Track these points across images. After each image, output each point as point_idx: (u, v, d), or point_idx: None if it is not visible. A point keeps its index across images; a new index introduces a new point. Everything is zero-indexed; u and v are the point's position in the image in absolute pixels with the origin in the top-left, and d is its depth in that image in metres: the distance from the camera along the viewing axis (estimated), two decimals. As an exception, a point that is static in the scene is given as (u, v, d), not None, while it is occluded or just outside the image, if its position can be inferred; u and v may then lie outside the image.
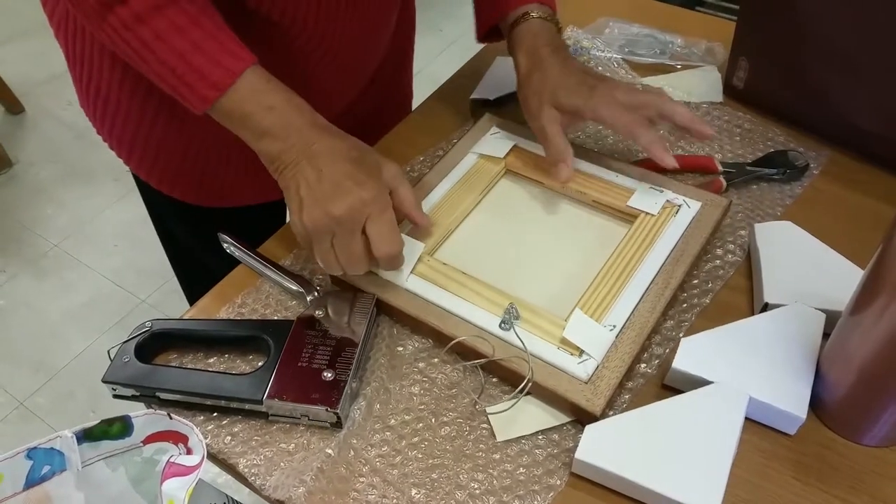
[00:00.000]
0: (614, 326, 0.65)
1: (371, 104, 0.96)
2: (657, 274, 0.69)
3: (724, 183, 0.80)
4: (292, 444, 0.63)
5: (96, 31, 0.66)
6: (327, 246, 0.66)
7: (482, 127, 0.85)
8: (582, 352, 0.63)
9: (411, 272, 0.71)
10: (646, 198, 0.75)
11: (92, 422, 0.59)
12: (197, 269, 1.06)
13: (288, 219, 0.82)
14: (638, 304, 0.67)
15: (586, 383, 0.62)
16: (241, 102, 0.66)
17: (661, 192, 0.76)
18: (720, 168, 0.82)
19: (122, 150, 0.89)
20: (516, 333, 0.65)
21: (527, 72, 0.77)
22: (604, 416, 0.61)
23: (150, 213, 1.03)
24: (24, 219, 2.24)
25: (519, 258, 0.74)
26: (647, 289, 0.68)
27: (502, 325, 0.66)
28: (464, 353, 0.67)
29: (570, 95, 0.74)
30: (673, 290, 0.68)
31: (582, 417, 0.62)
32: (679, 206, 0.74)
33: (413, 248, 0.72)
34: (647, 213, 0.74)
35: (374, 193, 0.64)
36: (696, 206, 0.74)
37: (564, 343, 0.64)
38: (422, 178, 0.80)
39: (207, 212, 0.92)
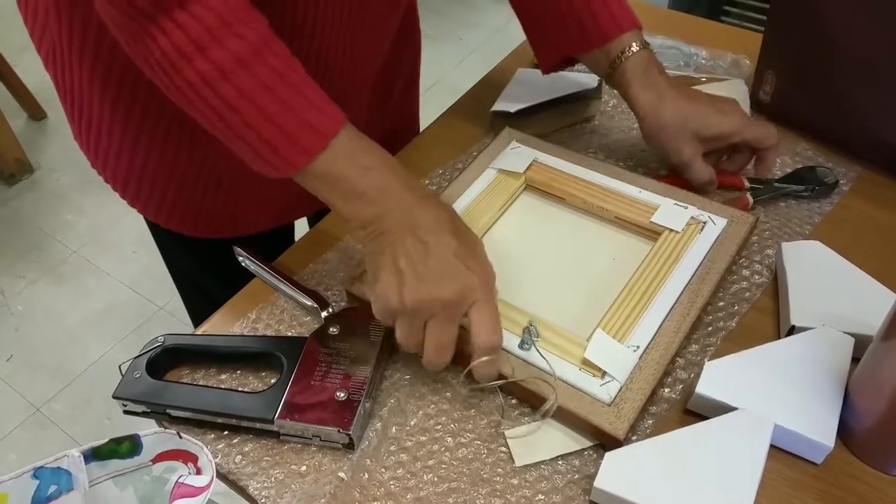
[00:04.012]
0: (638, 347, 0.63)
1: (380, 131, 0.95)
2: (682, 292, 0.67)
3: (751, 200, 0.78)
4: (304, 466, 0.62)
5: (166, 86, 0.59)
6: (419, 326, 0.60)
7: (501, 141, 0.84)
8: (605, 373, 0.62)
9: None
10: (670, 214, 0.74)
11: (100, 440, 0.58)
12: (198, 294, 1.04)
13: (368, 286, 0.69)
14: (662, 323, 0.65)
15: (609, 406, 0.60)
16: (335, 164, 0.60)
17: (686, 208, 0.74)
18: (747, 184, 0.80)
19: (116, 184, 0.86)
20: (539, 353, 0.63)
21: (651, 107, 0.76)
22: (627, 440, 0.60)
23: (153, 237, 1.00)
24: (45, 225, 2.25)
25: (539, 276, 0.73)
26: (672, 308, 0.66)
27: (522, 345, 0.64)
28: None
29: (707, 126, 0.75)
30: (699, 310, 0.66)
31: (604, 441, 0.60)
32: (704, 222, 0.73)
33: None
34: (671, 230, 0.72)
35: (482, 277, 0.60)
36: (721, 222, 0.73)
37: (586, 364, 0.62)
38: (440, 193, 0.79)
39: (207, 240, 0.90)
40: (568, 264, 0.74)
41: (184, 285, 1.07)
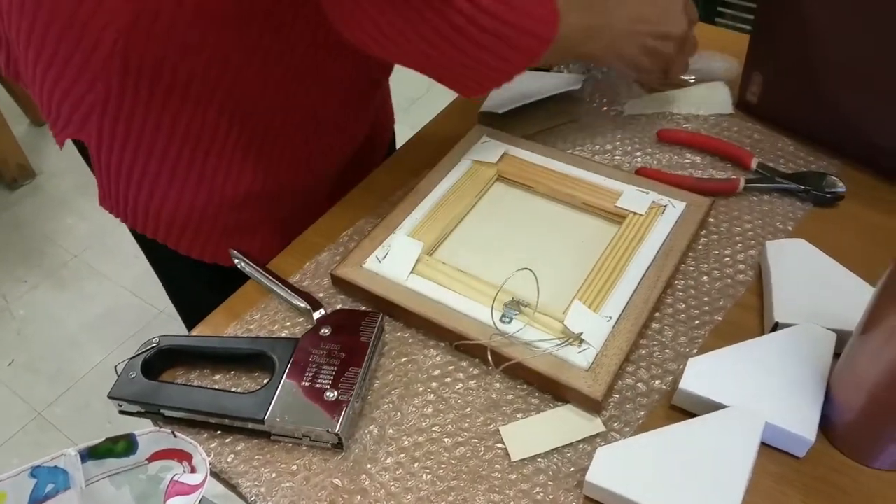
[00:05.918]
0: (610, 318, 0.68)
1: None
2: (648, 268, 0.72)
3: (742, 184, 0.80)
4: (294, 465, 0.63)
5: (429, 31, 0.63)
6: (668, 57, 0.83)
7: (472, 136, 0.88)
8: (582, 341, 0.65)
9: (411, 271, 0.73)
10: (633, 199, 0.78)
11: (96, 440, 0.59)
12: (193, 300, 1.04)
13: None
14: (632, 296, 0.69)
15: (587, 371, 0.64)
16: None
17: (647, 193, 0.79)
18: (754, 165, 0.82)
19: (158, 229, 0.84)
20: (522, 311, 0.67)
21: None
22: (605, 403, 0.64)
23: (147, 256, 0.99)
24: (46, 229, 2.27)
25: (514, 258, 0.75)
26: (640, 282, 0.71)
27: (503, 318, 0.67)
28: (468, 350, 0.68)
29: None
30: (664, 283, 0.70)
31: (585, 404, 0.64)
32: (665, 206, 0.77)
33: (412, 248, 0.74)
34: (635, 213, 0.77)
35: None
36: (680, 206, 0.77)
37: (565, 333, 0.66)
38: (416, 185, 0.82)
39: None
40: (541, 247, 0.77)
41: (175, 292, 1.07)
